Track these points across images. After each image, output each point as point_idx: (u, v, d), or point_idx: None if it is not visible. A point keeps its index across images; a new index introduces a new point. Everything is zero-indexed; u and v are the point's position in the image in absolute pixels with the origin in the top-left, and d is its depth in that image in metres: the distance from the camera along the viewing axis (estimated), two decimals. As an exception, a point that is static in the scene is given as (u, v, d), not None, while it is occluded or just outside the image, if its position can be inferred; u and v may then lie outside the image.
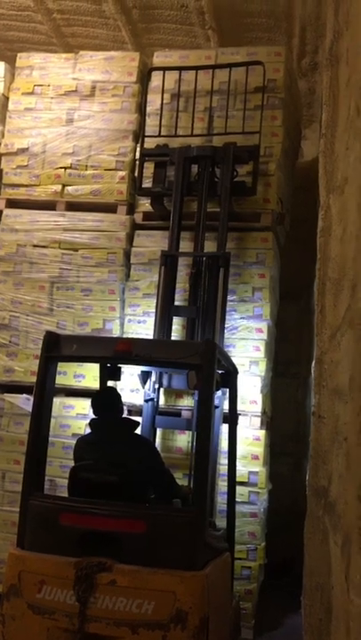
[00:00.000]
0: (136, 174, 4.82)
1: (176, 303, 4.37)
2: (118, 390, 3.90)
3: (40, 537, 2.82)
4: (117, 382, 4.15)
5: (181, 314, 4.37)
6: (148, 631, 2.46)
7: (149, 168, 4.77)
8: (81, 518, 2.75)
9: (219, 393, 3.90)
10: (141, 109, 4.95)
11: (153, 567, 2.56)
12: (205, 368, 2.91)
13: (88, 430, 4.41)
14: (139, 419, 3.82)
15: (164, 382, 4.28)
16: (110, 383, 4.01)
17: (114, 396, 3.53)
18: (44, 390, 3.05)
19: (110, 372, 3.87)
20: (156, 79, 4.95)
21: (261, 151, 4.62)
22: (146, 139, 4.79)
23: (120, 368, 3.90)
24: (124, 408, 3.78)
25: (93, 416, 3.46)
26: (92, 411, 3.50)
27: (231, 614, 3.32)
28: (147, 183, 4.75)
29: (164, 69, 4.88)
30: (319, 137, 4.04)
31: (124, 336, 4.58)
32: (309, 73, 5.92)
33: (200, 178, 4.48)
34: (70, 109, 5.10)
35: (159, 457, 3.41)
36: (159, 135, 4.79)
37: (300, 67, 5.90)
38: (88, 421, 3.50)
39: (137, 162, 4.84)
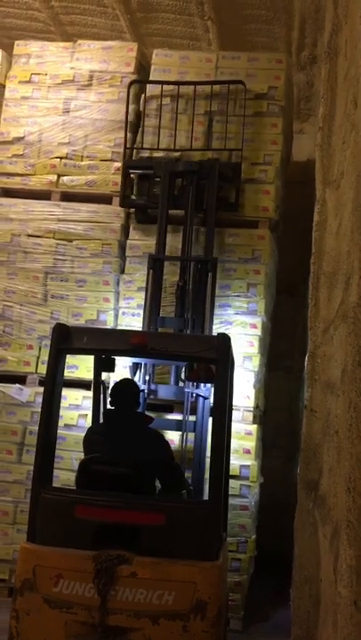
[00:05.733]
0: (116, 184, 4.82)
1: (164, 301, 4.42)
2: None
3: (54, 531, 2.80)
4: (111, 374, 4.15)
5: (167, 324, 4.35)
6: (168, 621, 2.51)
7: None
8: (98, 511, 2.76)
9: (209, 385, 3.90)
10: (130, 114, 4.89)
11: (171, 558, 2.61)
12: (221, 362, 2.93)
13: (81, 421, 4.44)
14: None
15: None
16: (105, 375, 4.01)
17: (133, 389, 3.51)
18: (55, 383, 3.02)
19: (105, 364, 3.83)
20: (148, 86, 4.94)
21: (260, 159, 4.69)
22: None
23: (114, 360, 3.86)
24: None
25: (109, 407, 3.47)
26: (109, 401, 3.50)
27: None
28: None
29: (145, 82, 4.92)
30: (317, 130, 4.02)
31: (119, 328, 4.57)
32: (308, 66, 5.90)
33: (185, 192, 4.53)
34: (67, 99, 5.07)
35: (170, 452, 3.42)
36: (142, 148, 4.82)
37: (299, 59, 5.88)
38: (103, 411, 3.56)
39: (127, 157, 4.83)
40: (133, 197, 4.79)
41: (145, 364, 4.15)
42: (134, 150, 4.87)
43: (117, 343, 3.14)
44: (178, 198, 4.56)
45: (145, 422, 3.45)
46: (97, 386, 3.83)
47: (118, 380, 3.69)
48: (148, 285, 4.33)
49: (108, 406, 3.52)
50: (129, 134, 4.91)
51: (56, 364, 3.02)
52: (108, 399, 3.53)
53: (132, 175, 4.81)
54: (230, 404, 3.81)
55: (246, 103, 4.67)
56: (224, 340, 3.01)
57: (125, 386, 3.52)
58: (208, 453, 4.26)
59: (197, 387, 4.00)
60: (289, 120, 5.27)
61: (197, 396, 4.04)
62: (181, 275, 4.38)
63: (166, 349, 3.04)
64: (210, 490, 2.85)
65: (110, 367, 3.85)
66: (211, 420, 3.99)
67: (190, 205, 4.46)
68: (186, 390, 4.09)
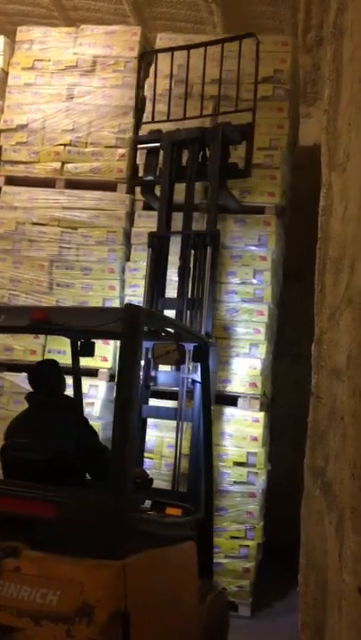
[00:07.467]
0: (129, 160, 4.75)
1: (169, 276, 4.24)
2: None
3: None
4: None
5: (168, 306, 4.16)
6: (51, 624, 2.22)
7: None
8: None
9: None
10: (139, 93, 4.84)
11: (65, 555, 2.31)
12: (128, 336, 2.52)
13: (88, 409, 4.42)
14: None
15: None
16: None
17: (52, 370, 3.19)
18: None
19: (83, 348, 3.49)
20: (159, 62, 4.82)
21: (266, 143, 4.57)
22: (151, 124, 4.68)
23: (94, 343, 3.51)
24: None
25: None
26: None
27: (204, 608, 3.06)
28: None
29: (157, 52, 4.78)
30: (323, 113, 3.96)
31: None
32: (314, 48, 5.81)
33: (189, 161, 4.33)
34: (70, 85, 5.04)
35: (96, 437, 3.12)
36: (152, 121, 4.68)
37: (305, 42, 5.79)
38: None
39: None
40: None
41: (147, 349, 3.85)
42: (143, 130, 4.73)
43: (22, 320, 2.80)
44: (185, 170, 4.34)
45: (69, 405, 3.23)
46: (76, 373, 3.62)
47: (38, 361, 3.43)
48: (148, 265, 4.19)
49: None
50: (133, 119, 4.86)
51: None
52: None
53: (139, 153, 4.68)
54: (208, 387, 3.52)
55: (252, 87, 4.56)
56: (132, 311, 2.61)
57: (45, 367, 3.25)
58: (221, 442, 4.27)
59: (194, 372, 3.79)
60: (295, 104, 5.20)
61: (194, 381, 3.84)
62: (182, 252, 4.16)
63: (68, 324, 2.75)
64: (110, 477, 2.44)
65: (89, 352, 3.53)
66: (228, 409, 3.86)
67: (192, 175, 4.26)
68: (182, 376, 3.91)
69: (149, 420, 4.25)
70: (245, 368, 4.39)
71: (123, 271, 4.73)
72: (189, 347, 3.38)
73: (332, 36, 3.22)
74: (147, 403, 4.08)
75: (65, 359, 4.40)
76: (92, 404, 4.44)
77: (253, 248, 4.56)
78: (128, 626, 2.22)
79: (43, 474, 2.61)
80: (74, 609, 2.20)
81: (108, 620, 2.19)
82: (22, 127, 5.02)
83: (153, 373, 4.11)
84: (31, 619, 2.23)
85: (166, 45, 4.91)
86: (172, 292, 4.26)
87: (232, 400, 4.41)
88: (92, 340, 3.47)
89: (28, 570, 2.32)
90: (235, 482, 4.29)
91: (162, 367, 4.09)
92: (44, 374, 3.16)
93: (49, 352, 4.62)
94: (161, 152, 4.48)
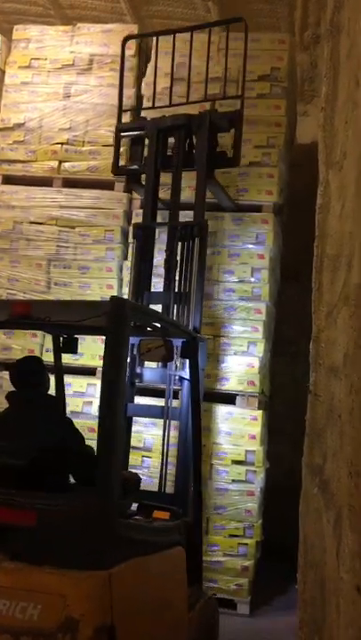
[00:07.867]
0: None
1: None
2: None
3: None
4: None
5: (154, 300, 4.02)
6: None
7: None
8: None
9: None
10: (122, 82, 4.72)
11: (47, 566, 2.17)
12: (113, 331, 2.37)
13: (86, 408, 4.42)
14: None
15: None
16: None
17: (35, 367, 3.02)
18: None
19: (65, 345, 3.33)
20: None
21: (264, 141, 4.57)
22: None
23: (77, 339, 3.36)
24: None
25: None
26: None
27: (194, 616, 2.95)
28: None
29: (139, 36, 4.77)
30: (320, 111, 3.96)
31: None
32: (312, 46, 5.81)
33: (175, 149, 4.19)
34: (67, 83, 5.04)
35: (81, 437, 2.95)
36: (139, 107, 4.67)
37: (303, 40, 5.79)
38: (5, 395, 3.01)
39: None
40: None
41: (132, 345, 3.59)
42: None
43: (1, 315, 2.64)
44: (171, 158, 4.20)
45: (52, 405, 3.09)
46: (58, 371, 3.48)
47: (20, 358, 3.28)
48: (133, 258, 4.08)
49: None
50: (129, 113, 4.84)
51: None
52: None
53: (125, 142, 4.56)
54: (197, 384, 3.39)
55: (249, 85, 4.54)
56: (117, 304, 2.45)
57: (27, 365, 3.07)
58: (216, 440, 4.27)
59: (182, 368, 3.67)
60: (292, 102, 5.20)
61: (181, 378, 3.73)
62: (169, 244, 4.01)
63: (49, 319, 2.60)
64: (97, 484, 2.24)
65: (72, 348, 3.35)
66: (222, 407, 3.82)
67: (178, 164, 4.11)
68: (169, 373, 3.78)
69: (148, 419, 4.26)
70: (243, 366, 4.39)
71: (120, 270, 4.73)
72: (177, 342, 3.23)
73: (329, 33, 3.22)
74: (132, 401, 3.96)
75: (64, 358, 4.42)
76: (91, 402, 4.44)
77: (251, 246, 4.56)
78: (114, 637, 2.09)
79: (24, 477, 2.46)
80: (56, 624, 2.05)
81: (93, 634, 2.05)
82: (19, 126, 5.02)
83: (139, 370, 3.96)
84: (11, 635, 2.08)
85: (163, 44, 4.86)
86: (160, 286, 4.12)
87: (230, 398, 4.41)
88: (75, 336, 3.31)
89: (7, 582, 2.16)
90: (233, 480, 4.30)
91: (148, 364, 3.95)
92: (27, 372, 3.00)
93: (47, 351, 4.61)
94: (147, 141, 4.32)
